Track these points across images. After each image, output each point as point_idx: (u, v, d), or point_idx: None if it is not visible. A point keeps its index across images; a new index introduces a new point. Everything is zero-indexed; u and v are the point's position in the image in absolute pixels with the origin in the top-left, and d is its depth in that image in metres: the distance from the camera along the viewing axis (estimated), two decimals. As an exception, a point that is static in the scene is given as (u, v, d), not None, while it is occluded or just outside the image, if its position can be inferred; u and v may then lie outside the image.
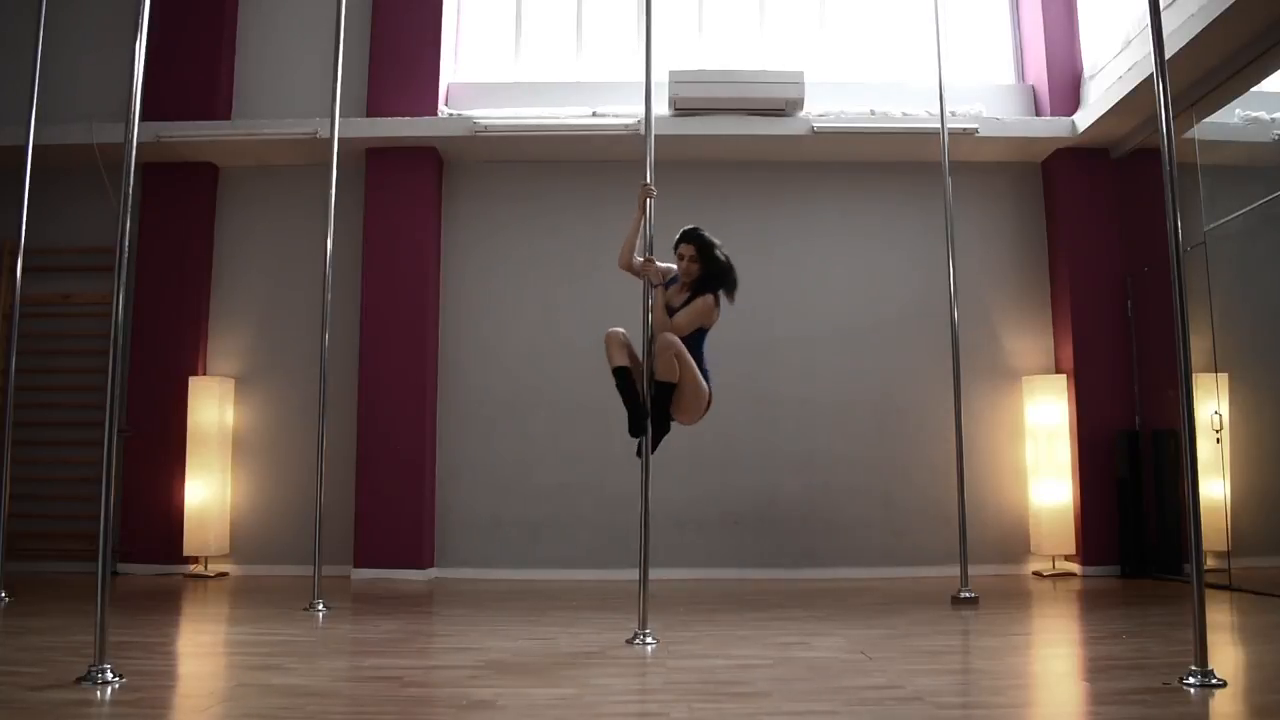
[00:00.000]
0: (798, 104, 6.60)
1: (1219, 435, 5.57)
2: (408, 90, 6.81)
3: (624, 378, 4.32)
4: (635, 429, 4.25)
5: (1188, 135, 5.75)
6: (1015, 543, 6.62)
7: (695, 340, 4.34)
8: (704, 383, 4.30)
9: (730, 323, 6.77)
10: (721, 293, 4.38)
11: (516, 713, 2.87)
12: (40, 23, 5.30)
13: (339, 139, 5.59)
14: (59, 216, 6.84)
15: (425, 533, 6.51)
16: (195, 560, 6.51)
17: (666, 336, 4.20)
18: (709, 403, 4.34)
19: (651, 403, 4.24)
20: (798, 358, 6.80)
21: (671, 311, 4.35)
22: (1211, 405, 5.61)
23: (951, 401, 5.52)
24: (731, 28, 7.34)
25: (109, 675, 3.15)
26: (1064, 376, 6.64)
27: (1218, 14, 4.88)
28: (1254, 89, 5.46)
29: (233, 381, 6.79)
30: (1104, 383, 6.55)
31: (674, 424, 4.39)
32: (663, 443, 4.41)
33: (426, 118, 6.71)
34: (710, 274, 4.37)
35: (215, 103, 6.84)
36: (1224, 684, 3.07)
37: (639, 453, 4.27)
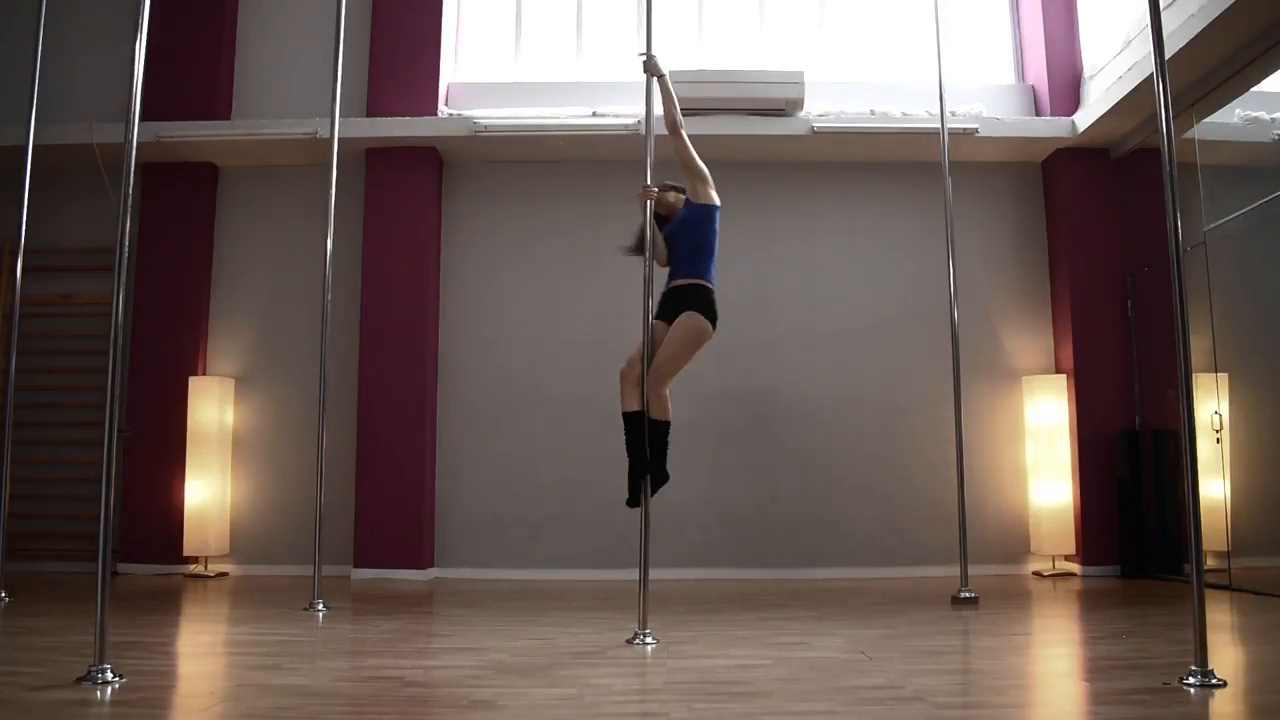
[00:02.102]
0: (798, 104, 6.60)
1: (1219, 435, 5.57)
2: (408, 90, 6.81)
3: (636, 427, 4.27)
4: (633, 498, 4.24)
5: (1188, 135, 5.75)
6: (1015, 543, 6.62)
7: (701, 224, 4.36)
8: (684, 335, 4.25)
9: (731, 322, 6.79)
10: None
11: (516, 713, 2.87)
12: (40, 23, 5.30)
13: (339, 139, 5.59)
14: (59, 216, 6.84)
15: (425, 533, 6.51)
16: (195, 560, 6.51)
17: (655, 373, 4.22)
18: (708, 312, 4.32)
19: (651, 447, 4.24)
20: (798, 357, 6.80)
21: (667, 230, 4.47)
22: (1211, 405, 5.61)
23: (951, 401, 5.52)
24: (731, 28, 7.34)
25: (109, 675, 3.14)
26: (1064, 376, 6.64)
27: (1218, 14, 4.88)
28: (1254, 89, 5.46)
29: (233, 381, 6.79)
30: (1104, 383, 6.55)
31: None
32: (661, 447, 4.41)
33: (426, 118, 6.71)
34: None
35: (215, 103, 6.84)
36: (1224, 684, 3.06)
37: (632, 504, 4.24)
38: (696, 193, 4.41)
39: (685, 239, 4.39)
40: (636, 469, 4.26)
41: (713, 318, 4.34)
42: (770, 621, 4.66)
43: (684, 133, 4.40)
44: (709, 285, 4.36)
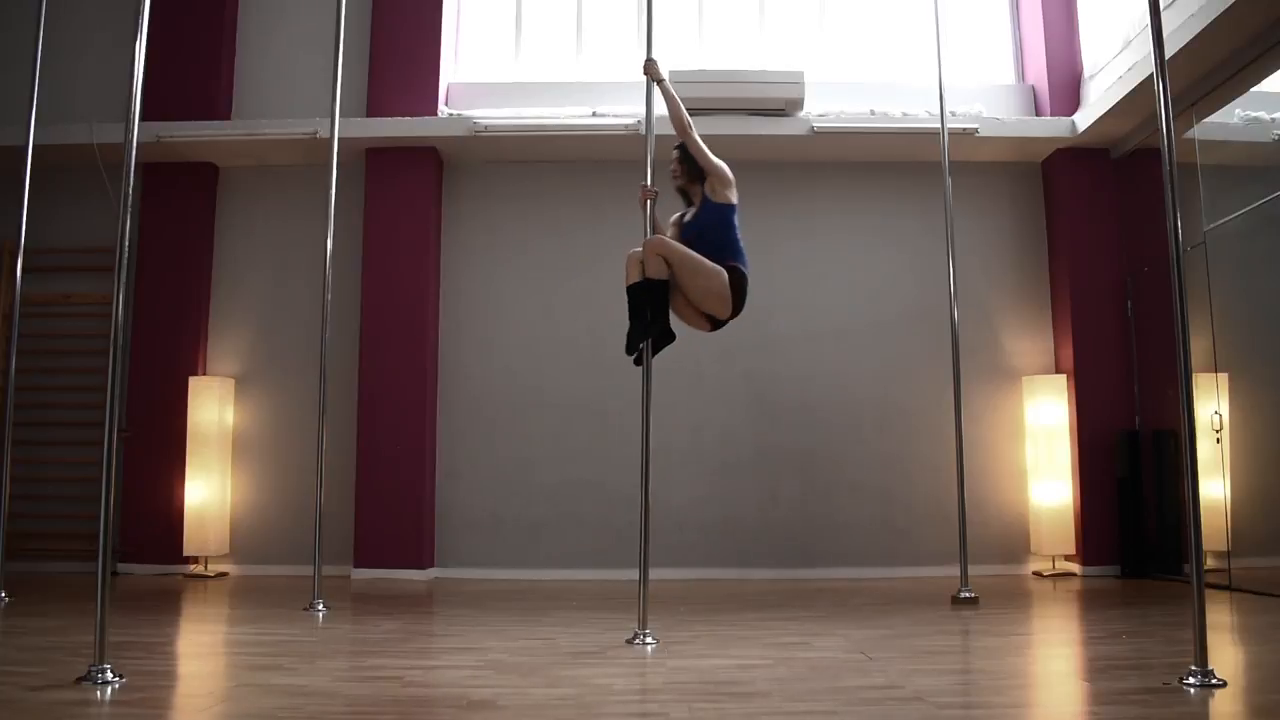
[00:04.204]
0: (798, 104, 6.60)
1: (1219, 435, 5.57)
2: (408, 90, 6.81)
3: (636, 294, 4.28)
4: (630, 345, 4.27)
5: (1188, 135, 5.75)
6: (1015, 543, 6.62)
7: (723, 227, 4.32)
8: (711, 265, 4.22)
9: (731, 322, 6.82)
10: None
11: (516, 713, 2.87)
12: (40, 23, 5.30)
13: (339, 139, 5.58)
14: (59, 216, 6.84)
15: (425, 533, 6.51)
16: (195, 560, 6.50)
17: (653, 237, 4.26)
18: (735, 286, 4.25)
19: (651, 306, 4.24)
20: (798, 357, 6.80)
21: (685, 229, 4.43)
22: (1211, 405, 5.61)
23: (951, 401, 5.52)
24: (731, 28, 7.34)
25: (109, 675, 3.14)
26: (1064, 376, 6.64)
27: (1218, 14, 4.88)
28: (1254, 89, 5.46)
29: (233, 381, 6.79)
30: (1104, 383, 6.55)
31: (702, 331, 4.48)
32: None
33: (426, 118, 6.71)
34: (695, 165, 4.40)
35: (215, 103, 6.85)
36: (1224, 684, 3.06)
37: (637, 361, 4.28)
38: (714, 192, 4.38)
39: (708, 241, 4.33)
40: (637, 329, 4.27)
41: (740, 291, 4.30)
42: (770, 621, 4.66)
43: (694, 134, 4.37)
44: (742, 269, 4.32)
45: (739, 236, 4.38)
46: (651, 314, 4.25)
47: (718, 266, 4.26)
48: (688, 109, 6.54)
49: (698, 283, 4.25)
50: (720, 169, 4.38)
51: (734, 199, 4.39)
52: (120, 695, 3.04)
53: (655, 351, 4.32)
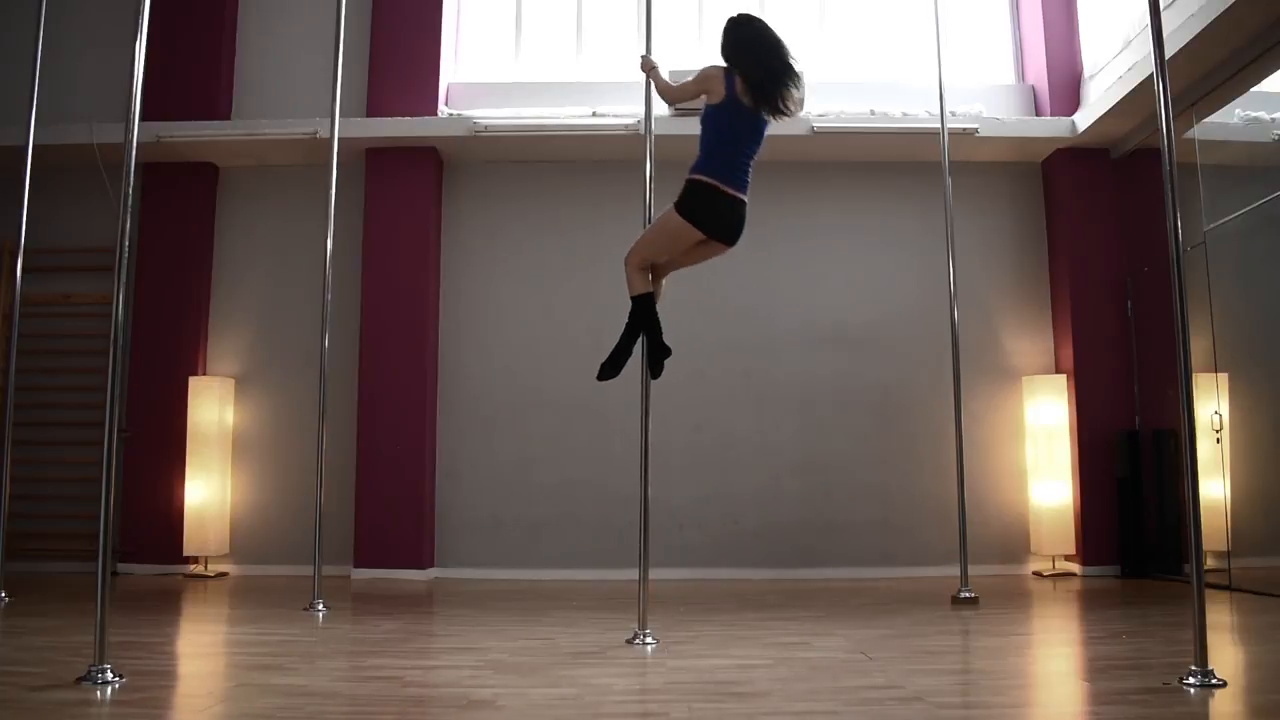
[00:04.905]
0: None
1: (1219, 435, 5.57)
2: (408, 90, 6.82)
3: (636, 313, 4.22)
4: (603, 370, 4.25)
5: (1188, 135, 5.75)
6: (1015, 543, 6.62)
7: (703, 125, 4.10)
8: (659, 219, 4.14)
9: (731, 322, 6.85)
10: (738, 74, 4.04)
11: (516, 713, 2.87)
12: (40, 23, 5.30)
13: (339, 139, 5.58)
14: (59, 216, 6.84)
15: (425, 533, 6.51)
16: (195, 560, 6.51)
17: (626, 258, 4.21)
18: (686, 206, 4.03)
19: (643, 325, 4.21)
20: (798, 357, 6.80)
21: None
22: (1211, 405, 5.61)
23: (951, 401, 5.52)
24: (731, 28, 7.33)
25: (109, 675, 3.14)
26: (1064, 376, 6.64)
27: (1218, 14, 4.88)
28: (1254, 89, 5.46)
29: (233, 381, 6.79)
30: (1104, 383, 6.55)
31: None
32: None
33: (426, 118, 6.71)
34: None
35: (215, 103, 6.85)
36: (1224, 684, 3.06)
37: (601, 376, 4.25)
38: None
39: (700, 143, 4.20)
40: (616, 355, 4.26)
41: (689, 207, 4.05)
42: (770, 621, 4.66)
43: (675, 89, 4.27)
44: (695, 178, 4.08)
45: (716, 138, 4.08)
46: (646, 331, 4.22)
47: (666, 210, 4.12)
48: (688, 109, 6.50)
49: (664, 235, 4.15)
50: (691, 88, 4.18)
51: (712, 99, 4.09)
52: (120, 695, 3.04)
53: (654, 369, 4.26)
